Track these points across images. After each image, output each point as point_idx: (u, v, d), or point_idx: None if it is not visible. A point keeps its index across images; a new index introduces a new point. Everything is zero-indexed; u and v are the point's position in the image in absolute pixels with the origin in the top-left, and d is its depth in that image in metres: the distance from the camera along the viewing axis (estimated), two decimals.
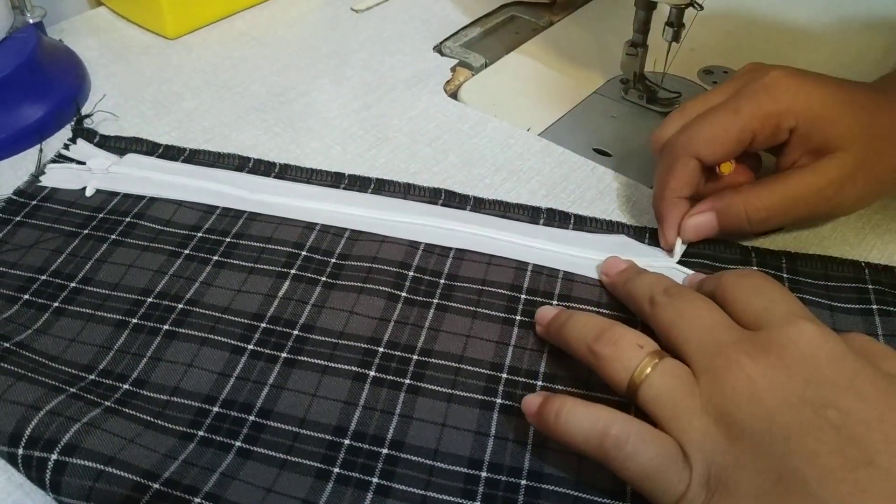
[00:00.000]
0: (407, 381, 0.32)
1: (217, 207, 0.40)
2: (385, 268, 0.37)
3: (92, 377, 0.32)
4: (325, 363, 0.33)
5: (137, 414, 0.31)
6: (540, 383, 0.32)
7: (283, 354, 0.33)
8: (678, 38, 0.46)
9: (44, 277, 0.36)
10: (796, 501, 0.24)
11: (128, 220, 0.39)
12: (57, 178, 0.42)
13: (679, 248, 0.38)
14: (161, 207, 0.40)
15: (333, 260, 0.37)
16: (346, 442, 0.30)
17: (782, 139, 0.37)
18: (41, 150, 0.45)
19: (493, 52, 0.55)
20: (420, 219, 0.39)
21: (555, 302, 0.36)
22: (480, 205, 0.41)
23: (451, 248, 0.38)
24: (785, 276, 0.37)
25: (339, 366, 0.33)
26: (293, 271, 0.37)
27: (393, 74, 0.52)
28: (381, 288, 0.36)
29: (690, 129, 0.37)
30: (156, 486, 0.28)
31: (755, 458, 0.25)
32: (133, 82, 0.51)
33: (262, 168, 0.43)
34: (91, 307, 0.35)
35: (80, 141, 0.45)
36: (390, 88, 0.51)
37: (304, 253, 0.38)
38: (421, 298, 0.36)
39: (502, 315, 0.35)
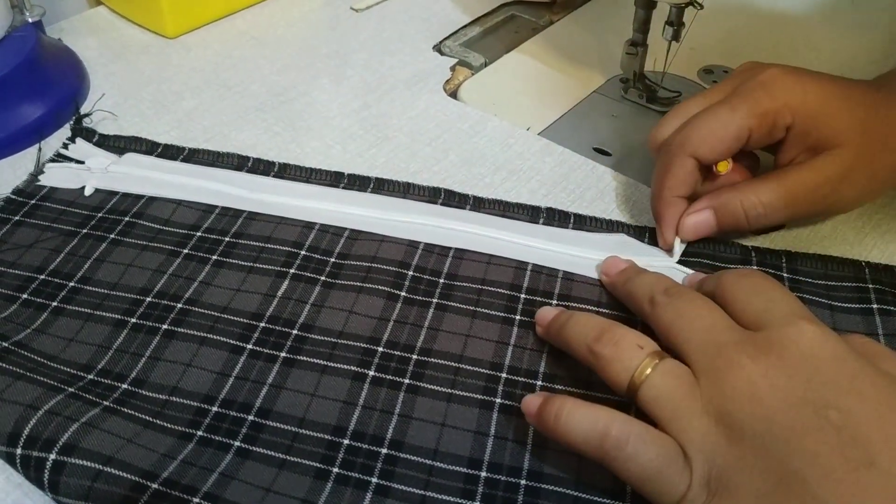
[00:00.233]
0: (406, 381, 0.32)
1: (216, 207, 0.40)
2: (384, 267, 0.37)
3: (90, 377, 0.32)
4: (325, 363, 0.33)
5: (136, 414, 0.30)
6: (540, 383, 0.32)
7: (283, 354, 0.33)
8: (678, 38, 0.46)
9: (42, 277, 0.36)
10: (797, 502, 0.24)
11: (127, 219, 0.39)
12: (56, 177, 0.42)
13: (678, 248, 0.38)
14: (160, 207, 0.40)
15: (333, 259, 0.37)
16: (346, 442, 0.30)
17: (779, 136, 0.37)
18: (40, 150, 0.45)
19: (492, 51, 0.55)
20: (420, 218, 0.39)
21: (554, 301, 0.36)
22: (480, 204, 0.41)
23: (450, 248, 0.38)
24: (785, 275, 0.37)
25: (339, 365, 0.33)
26: (292, 270, 0.37)
27: (393, 74, 0.52)
28: (380, 287, 0.36)
29: (687, 128, 0.37)
30: (154, 485, 0.28)
31: (756, 459, 0.25)
32: (132, 81, 0.51)
33: (262, 167, 0.43)
34: (90, 306, 0.35)
35: (79, 140, 0.45)
36: (390, 88, 0.50)
37: (303, 252, 0.38)
38: (420, 298, 0.36)
39: (502, 315, 0.35)
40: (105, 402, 0.31)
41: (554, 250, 0.38)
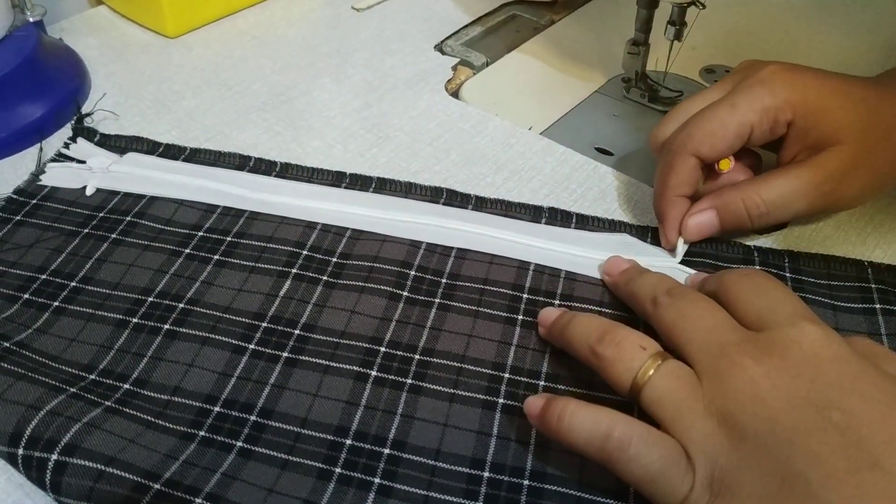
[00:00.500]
0: (409, 381, 0.32)
1: (218, 206, 0.40)
2: (386, 267, 0.37)
3: (92, 377, 0.32)
4: (327, 363, 0.33)
5: (138, 414, 0.30)
6: (542, 383, 0.32)
7: (285, 354, 0.33)
8: (680, 37, 0.46)
9: (44, 277, 0.36)
10: (800, 503, 0.24)
11: (128, 219, 0.39)
12: (57, 177, 0.42)
13: (681, 248, 0.38)
14: (161, 206, 0.40)
15: (335, 259, 0.37)
16: (348, 442, 0.30)
17: (780, 133, 0.37)
18: (41, 149, 0.45)
19: (494, 50, 0.55)
20: (421, 218, 0.39)
21: (557, 302, 0.36)
22: (482, 204, 0.41)
23: (452, 248, 0.38)
24: (788, 275, 0.37)
25: (341, 365, 0.33)
26: (294, 270, 0.37)
27: (394, 73, 0.52)
28: (382, 287, 0.36)
29: (688, 126, 0.37)
30: (157, 486, 0.28)
31: (759, 460, 0.25)
32: (133, 81, 0.51)
33: (263, 167, 0.43)
34: (91, 307, 0.35)
35: (80, 140, 0.45)
36: (391, 87, 0.50)
37: (305, 252, 0.37)
38: (423, 298, 0.35)
39: (504, 315, 0.35)
40: (107, 403, 0.31)
41: (556, 250, 0.38)
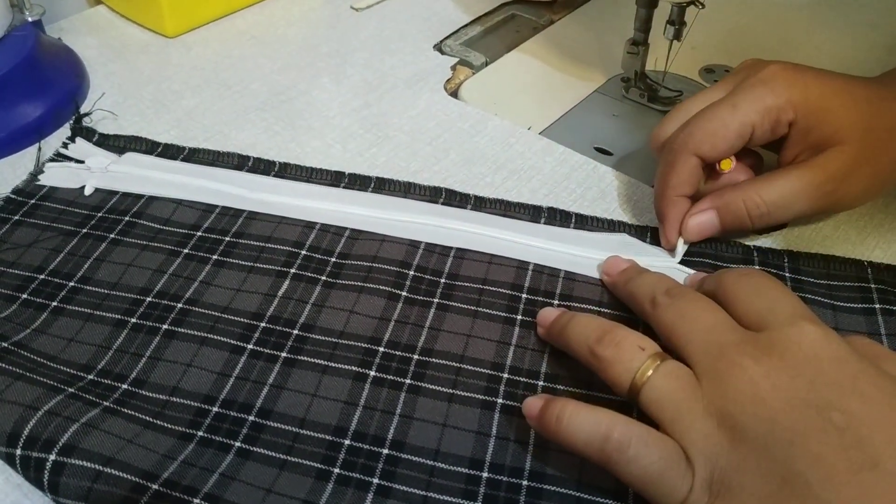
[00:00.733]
0: (408, 381, 0.32)
1: (216, 206, 0.40)
2: (385, 267, 0.37)
3: (90, 377, 0.32)
4: (326, 363, 0.33)
5: (136, 414, 0.30)
6: (541, 383, 0.32)
7: (283, 354, 0.33)
8: (679, 37, 0.46)
9: (42, 276, 0.36)
10: None
11: (127, 218, 0.39)
12: (56, 176, 0.42)
13: (681, 248, 0.38)
14: (160, 206, 0.40)
15: (333, 259, 0.37)
16: (347, 442, 0.30)
17: (782, 133, 0.36)
18: (40, 149, 0.45)
19: (493, 50, 0.55)
20: (420, 218, 0.39)
21: (556, 301, 0.36)
22: (481, 204, 0.41)
23: (451, 248, 0.38)
24: (787, 275, 0.37)
25: (340, 365, 0.32)
26: (293, 270, 0.36)
27: (393, 73, 0.52)
28: (381, 287, 0.36)
29: (690, 126, 0.37)
30: (155, 486, 0.28)
31: (758, 461, 0.25)
32: (132, 81, 0.51)
33: (262, 167, 0.43)
34: (90, 306, 0.35)
35: (78, 139, 0.44)
36: (391, 87, 0.50)
37: (303, 252, 0.37)
38: (421, 298, 0.35)
39: (503, 315, 0.35)
40: (105, 403, 0.31)
41: (555, 250, 0.38)
